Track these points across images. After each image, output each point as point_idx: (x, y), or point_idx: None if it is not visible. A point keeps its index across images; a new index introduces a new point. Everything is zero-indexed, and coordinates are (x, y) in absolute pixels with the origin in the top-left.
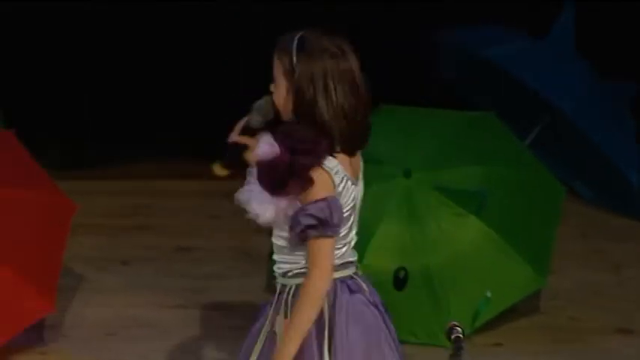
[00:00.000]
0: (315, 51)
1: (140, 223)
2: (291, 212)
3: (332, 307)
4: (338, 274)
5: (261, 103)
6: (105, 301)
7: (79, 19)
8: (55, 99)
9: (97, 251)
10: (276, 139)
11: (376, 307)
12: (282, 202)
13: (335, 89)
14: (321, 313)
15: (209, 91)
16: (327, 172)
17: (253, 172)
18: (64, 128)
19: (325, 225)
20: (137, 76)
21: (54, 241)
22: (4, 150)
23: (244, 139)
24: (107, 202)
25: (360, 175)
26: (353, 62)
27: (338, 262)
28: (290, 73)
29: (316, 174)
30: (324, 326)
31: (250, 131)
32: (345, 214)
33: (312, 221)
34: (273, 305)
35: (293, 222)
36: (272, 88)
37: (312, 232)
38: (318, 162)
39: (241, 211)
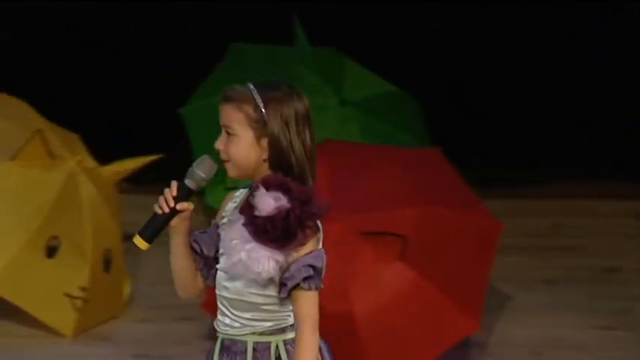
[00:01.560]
0: (281, 95)
1: (563, 243)
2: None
3: None
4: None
5: (203, 162)
6: (530, 321)
7: None
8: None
9: (521, 271)
10: (279, 192)
11: None
12: (280, 256)
13: (304, 130)
14: None
15: None
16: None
17: (234, 229)
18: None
19: (319, 275)
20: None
21: (481, 261)
22: (435, 167)
23: (181, 206)
24: (526, 221)
25: None
26: (307, 101)
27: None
28: (258, 122)
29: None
30: None
31: (185, 195)
32: None
33: (310, 272)
34: None
35: (287, 275)
36: (220, 144)
37: (304, 285)
38: (324, 210)
39: None
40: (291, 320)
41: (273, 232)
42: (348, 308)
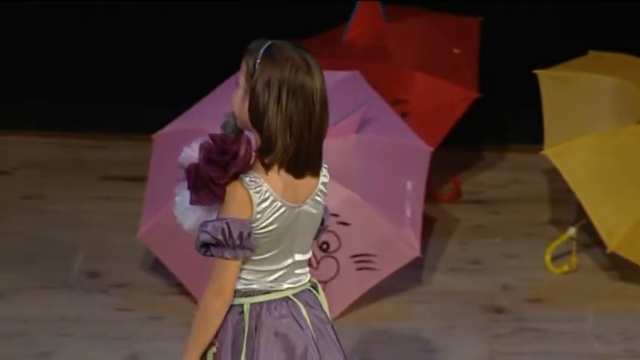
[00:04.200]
0: (278, 58)
1: None
2: None
3: (253, 331)
4: (263, 298)
5: (225, 119)
6: None
7: None
8: None
9: None
10: (200, 146)
11: (313, 329)
12: (198, 211)
13: (287, 100)
14: (237, 337)
15: None
16: (246, 189)
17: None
18: None
19: (221, 246)
20: None
21: None
22: None
23: None
24: None
25: (316, 198)
26: (316, 80)
27: (266, 286)
28: (251, 76)
29: (233, 189)
30: (239, 350)
31: None
32: (267, 239)
33: (209, 239)
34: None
35: (196, 236)
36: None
37: (209, 250)
38: (223, 177)
39: None
40: (256, 286)
41: (187, 183)
42: None
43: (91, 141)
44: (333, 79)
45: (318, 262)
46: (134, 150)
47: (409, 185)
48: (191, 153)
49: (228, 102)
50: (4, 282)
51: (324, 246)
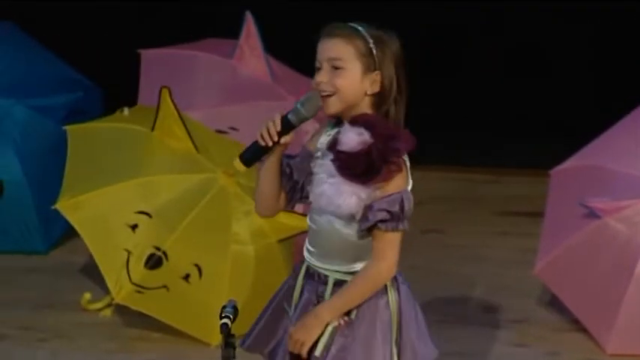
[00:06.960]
0: (384, 34)
1: None
2: (369, 202)
3: (399, 301)
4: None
5: (308, 98)
6: None
7: None
8: None
9: None
10: (364, 128)
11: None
12: (364, 192)
13: (402, 72)
14: (389, 309)
15: None
16: (404, 161)
17: (323, 164)
18: None
19: (397, 219)
20: None
21: None
22: None
23: (284, 139)
24: None
25: None
26: None
27: None
28: (366, 56)
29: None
30: (391, 322)
31: (287, 128)
32: None
33: (384, 216)
34: (305, 294)
35: (363, 218)
36: (322, 77)
37: (382, 226)
38: (409, 147)
39: None
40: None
41: (356, 167)
42: None
43: (487, 176)
44: None
45: None
46: (530, 185)
47: None
48: (357, 137)
49: (631, 139)
50: None
51: None
